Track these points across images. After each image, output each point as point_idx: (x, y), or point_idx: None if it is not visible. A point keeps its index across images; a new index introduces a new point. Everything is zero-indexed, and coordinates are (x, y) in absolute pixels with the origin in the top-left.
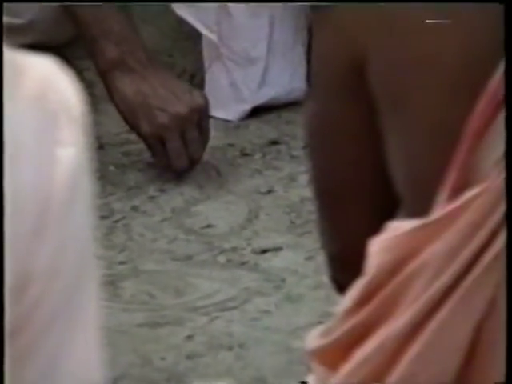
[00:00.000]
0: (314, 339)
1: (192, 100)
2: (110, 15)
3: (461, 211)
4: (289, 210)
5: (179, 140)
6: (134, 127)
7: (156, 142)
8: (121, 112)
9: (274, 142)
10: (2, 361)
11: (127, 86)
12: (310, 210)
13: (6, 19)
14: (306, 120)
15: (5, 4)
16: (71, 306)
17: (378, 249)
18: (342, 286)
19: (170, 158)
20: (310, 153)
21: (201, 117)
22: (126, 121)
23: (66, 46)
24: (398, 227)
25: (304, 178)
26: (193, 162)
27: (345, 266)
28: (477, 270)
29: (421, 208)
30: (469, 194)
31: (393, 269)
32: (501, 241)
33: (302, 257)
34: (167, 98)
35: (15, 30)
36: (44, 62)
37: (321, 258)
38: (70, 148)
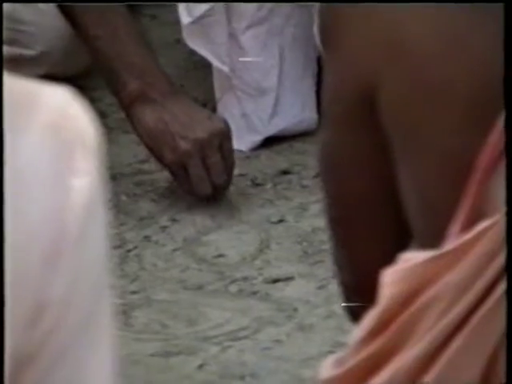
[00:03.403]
0: (327, 369)
1: (212, 125)
2: (130, 48)
3: (474, 242)
4: (300, 240)
5: (201, 166)
6: (158, 157)
7: (179, 170)
8: (144, 142)
9: (285, 172)
10: (2, 360)
11: (149, 116)
12: (322, 239)
13: (17, 51)
14: (319, 150)
15: (15, 36)
16: (85, 336)
17: (391, 280)
18: (355, 315)
19: (192, 185)
20: (323, 182)
21: (222, 141)
22: (150, 150)
23: (77, 77)
24: (411, 258)
25: (315, 208)
26: (218, 189)
27: (358, 295)
28: (490, 301)
29: (433, 239)
30: (482, 226)
31: (406, 300)
32: None
33: (314, 286)
34: (187, 125)
35: (26, 61)
36: (59, 92)
37: (332, 288)
38: (85, 178)
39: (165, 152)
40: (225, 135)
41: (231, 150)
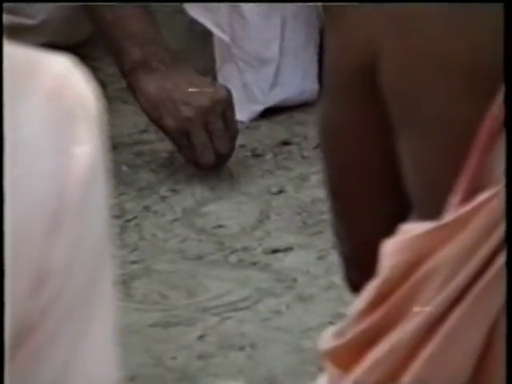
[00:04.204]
0: (327, 340)
1: (215, 93)
2: (131, 15)
3: (474, 214)
4: (300, 211)
5: (204, 133)
6: (159, 124)
7: (181, 137)
8: (145, 110)
9: (286, 143)
10: (2, 360)
11: (150, 83)
12: (321, 210)
13: (18, 20)
14: (319, 120)
15: (16, 5)
16: (87, 303)
17: (391, 251)
18: (355, 287)
19: (196, 153)
20: (323, 153)
21: (224, 109)
22: (151, 118)
23: (78, 46)
24: (411, 230)
25: (315, 179)
26: (221, 158)
27: (358, 266)
28: (490, 273)
29: (433, 210)
30: (482, 197)
31: (406, 271)
32: None
33: (314, 257)
34: (190, 92)
35: (27, 30)
36: (60, 60)
37: (332, 258)
38: (86, 145)
39: (167, 120)
40: (227, 103)
41: (234, 118)
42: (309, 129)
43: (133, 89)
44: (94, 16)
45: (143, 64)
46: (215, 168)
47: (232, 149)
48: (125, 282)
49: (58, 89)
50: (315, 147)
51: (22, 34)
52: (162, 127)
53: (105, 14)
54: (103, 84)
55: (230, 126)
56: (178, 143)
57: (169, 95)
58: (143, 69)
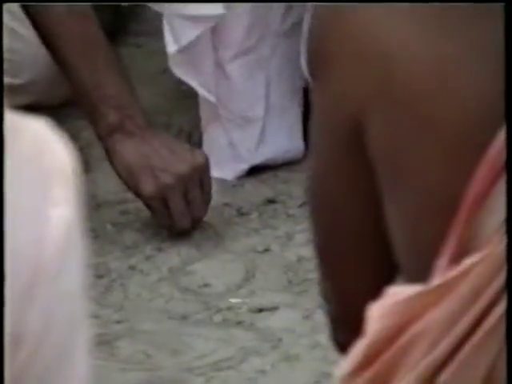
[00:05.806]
0: None
1: (193, 159)
2: (108, 79)
3: (461, 278)
4: (285, 269)
5: (182, 200)
6: (135, 190)
7: (159, 203)
8: (121, 176)
9: (271, 201)
10: (2, 356)
11: (128, 149)
12: (307, 269)
13: (4, 79)
14: (307, 179)
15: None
16: (62, 367)
17: (378, 315)
18: (342, 347)
19: (173, 219)
20: (311, 213)
21: (202, 175)
22: (127, 184)
23: (63, 105)
24: (398, 293)
25: (301, 237)
26: (195, 222)
27: (345, 327)
28: (476, 338)
29: (420, 274)
30: (469, 261)
31: (392, 335)
32: (501, 308)
33: (299, 316)
34: (168, 159)
35: (14, 90)
36: (38, 124)
37: (318, 318)
38: (62, 208)
39: (144, 186)
40: (205, 169)
41: (210, 183)
42: (294, 187)
43: (109, 153)
44: (71, 79)
45: (119, 128)
46: (188, 231)
47: (206, 212)
48: (109, 342)
49: (37, 153)
50: (300, 205)
51: (8, 93)
52: (138, 194)
53: (82, 77)
54: (88, 143)
55: (206, 191)
56: (154, 209)
57: (147, 162)
58: (120, 133)
